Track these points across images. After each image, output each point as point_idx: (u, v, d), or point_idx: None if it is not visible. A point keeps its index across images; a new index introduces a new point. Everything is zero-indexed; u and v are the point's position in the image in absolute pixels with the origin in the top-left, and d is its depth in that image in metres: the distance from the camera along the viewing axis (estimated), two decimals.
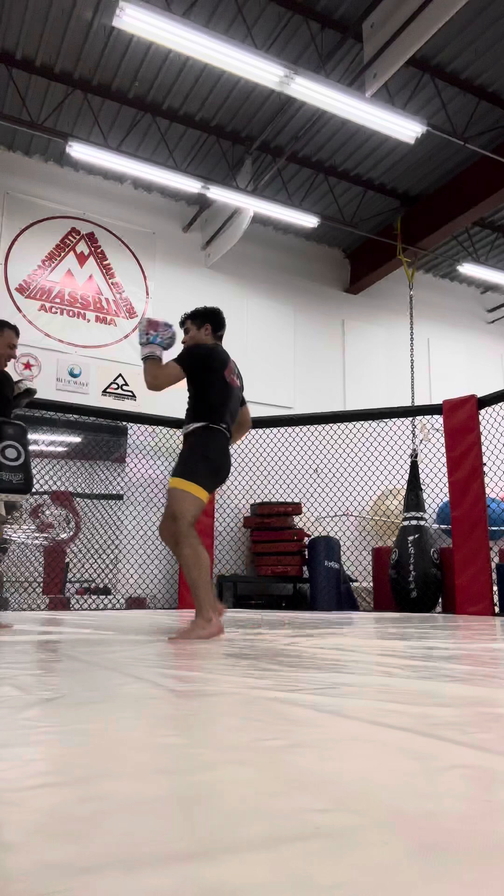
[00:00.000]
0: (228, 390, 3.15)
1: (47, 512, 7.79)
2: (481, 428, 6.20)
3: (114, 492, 7.65)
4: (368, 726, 1.06)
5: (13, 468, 3.15)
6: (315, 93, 5.76)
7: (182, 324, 3.27)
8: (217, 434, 3.06)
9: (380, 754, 0.90)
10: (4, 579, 7.29)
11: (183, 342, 3.25)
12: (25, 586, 7.04)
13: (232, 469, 8.52)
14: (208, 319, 3.27)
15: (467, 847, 0.56)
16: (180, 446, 3.16)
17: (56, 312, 7.82)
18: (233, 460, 8.37)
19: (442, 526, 7.40)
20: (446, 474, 6.32)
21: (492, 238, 9.84)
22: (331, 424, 7.33)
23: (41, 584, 7.18)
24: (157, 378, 3.02)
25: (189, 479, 2.93)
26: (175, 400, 7.87)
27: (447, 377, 9.91)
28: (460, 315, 11.06)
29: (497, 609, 5.86)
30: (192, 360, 3.09)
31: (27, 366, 7.48)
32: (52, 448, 7.72)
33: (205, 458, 3.01)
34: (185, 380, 3.12)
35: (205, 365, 3.10)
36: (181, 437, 3.19)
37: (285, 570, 7.36)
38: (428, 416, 7.08)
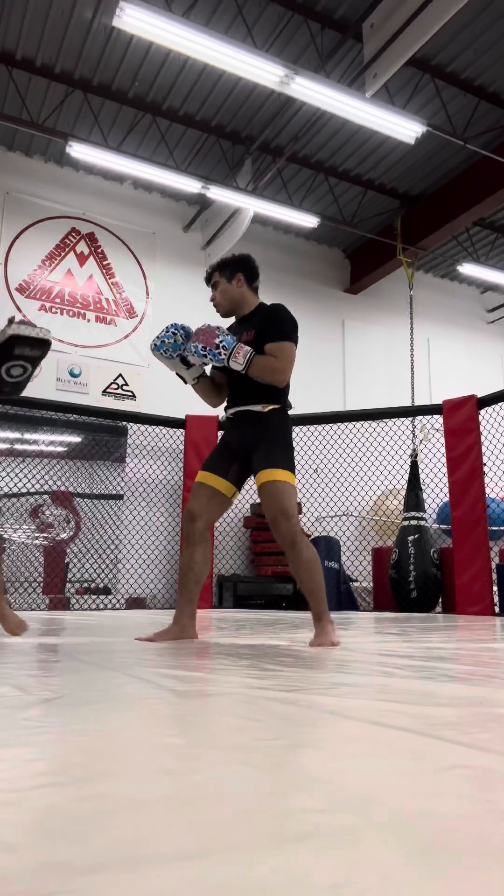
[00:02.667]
0: None
1: (47, 512, 7.79)
2: (481, 428, 6.20)
3: (114, 492, 7.65)
4: (368, 726, 1.06)
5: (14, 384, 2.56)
6: (315, 93, 5.76)
7: (208, 279, 2.82)
8: (289, 417, 2.70)
9: (380, 754, 0.90)
10: (5, 579, 7.28)
11: (211, 300, 2.83)
12: (25, 586, 7.04)
13: None
14: (239, 267, 2.76)
15: (467, 847, 0.56)
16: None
17: (56, 312, 7.82)
18: None
19: (442, 526, 7.40)
20: (446, 474, 6.32)
21: (492, 238, 9.84)
22: (331, 424, 7.33)
23: (41, 584, 7.18)
24: (284, 370, 2.58)
25: (289, 469, 2.57)
26: (176, 399, 7.87)
27: (447, 377, 9.91)
28: (460, 315, 11.06)
29: (497, 609, 5.86)
30: (296, 329, 2.65)
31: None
32: (52, 448, 7.72)
33: (291, 447, 2.66)
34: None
35: (297, 336, 2.66)
36: (229, 415, 2.76)
37: (285, 570, 7.35)
38: (428, 416, 7.08)
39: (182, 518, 2.81)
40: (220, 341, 2.57)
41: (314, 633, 2.53)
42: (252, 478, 2.73)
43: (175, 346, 2.74)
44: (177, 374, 2.84)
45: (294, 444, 2.76)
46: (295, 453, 2.75)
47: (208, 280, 2.83)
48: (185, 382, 2.86)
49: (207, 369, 2.87)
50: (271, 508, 2.54)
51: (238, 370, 2.58)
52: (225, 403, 2.85)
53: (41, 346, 2.55)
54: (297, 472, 2.72)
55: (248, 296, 2.79)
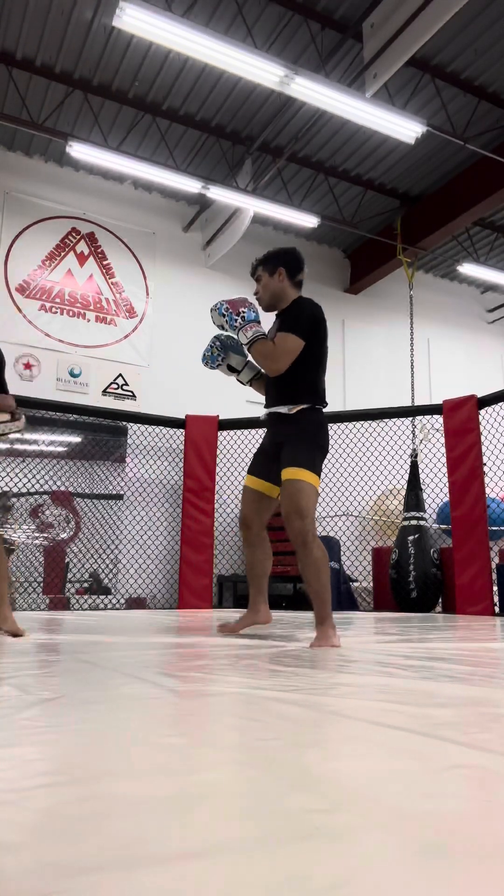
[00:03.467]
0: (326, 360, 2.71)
1: (47, 512, 7.79)
2: (481, 428, 6.20)
3: (114, 492, 7.65)
4: (368, 726, 1.06)
5: None
6: (315, 93, 5.76)
7: (253, 272, 2.83)
8: (324, 419, 2.69)
9: (380, 754, 0.90)
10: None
11: (255, 294, 2.82)
12: (26, 586, 7.04)
13: (232, 469, 8.45)
14: (281, 262, 2.75)
15: (467, 847, 0.56)
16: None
17: (56, 312, 7.82)
18: (233, 460, 8.31)
19: (442, 526, 7.40)
20: (446, 474, 6.32)
21: (492, 238, 9.83)
22: (330, 424, 7.32)
23: (41, 584, 7.18)
24: (279, 359, 2.55)
25: (311, 470, 2.56)
26: (176, 399, 7.85)
27: (447, 377, 9.91)
28: (460, 315, 11.06)
29: (497, 609, 5.86)
30: (311, 325, 2.61)
31: (27, 366, 7.48)
32: (52, 448, 7.72)
33: (319, 447, 2.64)
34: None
35: (318, 331, 2.64)
36: (263, 416, 2.80)
37: (285, 570, 7.35)
38: (428, 416, 7.08)
39: (239, 524, 2.95)
40: (243, 311, 2.65)
41: (315, 635, 2.52)
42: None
43: (213, 358, 2.88)
44: (229, 368, 2.93)
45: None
46: (325, 450, 2.75)
47: (253, 273, 2.85)
48: (243, 384, 2.97)
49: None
50: (287, 506, 2.58)
51: (243, 343, 2.66)
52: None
53: None
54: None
55: (289, 291, 2.77)
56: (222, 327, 2.79)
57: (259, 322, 2.68)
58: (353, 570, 7.50)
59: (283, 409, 2.66)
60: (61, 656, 2.16)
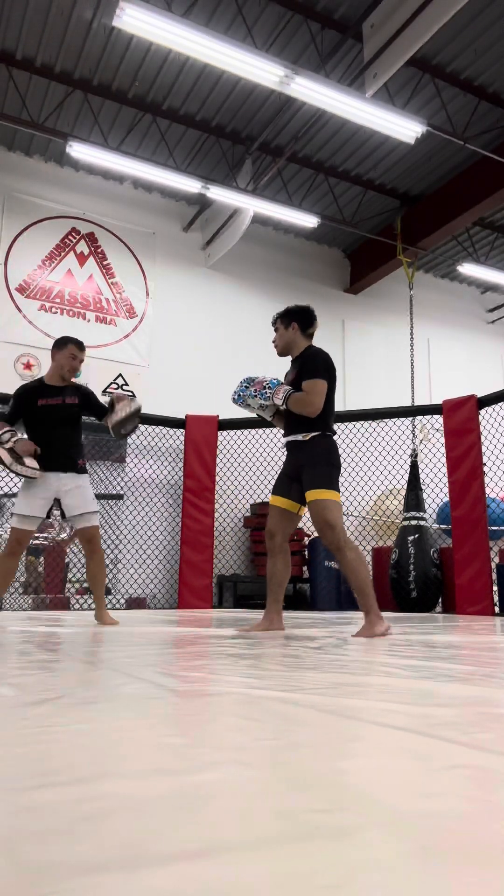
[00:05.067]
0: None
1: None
2: (481, 428, 6.20)
3: (114, 492, 7.65)
4: (368, 726, 1.06)
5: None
6: (315, 93, 5.76)
7: (273, 323, 3.34)
8: (333, 442, 3.18)
9: (380, 754, 0.90)
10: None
11: (273, 342, 3.34)
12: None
13: (232, 469, 8.44)
14: (294, 317, 3.29)
15: (467, 847, 0.56)
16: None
17: (56, 312, 7.82)
18: (233, 460, 8.30)
19: (442, 526, 7.40)
20: (446, 474, 6.32)
21: (492, 238, 9.84)
22: None
23: (35, 584, 7.18)
24: (314, 403, 3.07)
25: (330, 488, 3.05)
26: (175, 399, 7.85)
27: (447, 377, 9.91)
28: (460, 315, 11.06)
29: (497, 609, 5.86)
30: (327, 369, 3.15)
31: (27, 366, 7.48)
32: None
33: (332, 466, 3.11)
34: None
35: (332, 373, 3.17)
36: (283, 444, 3.29)
37: None
38: (428, 416, 7.08)
39: (265, 535, 3.34)
40: (266, 384, 3.21)
41: (364, 625, 2.97)
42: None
43: (248, 397, 3.35)
44: (257, 415, 3.43)
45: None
46: (339, 469, 3.20)
47: (273, 323, 3.37)
48: (267, 420, 3.41)
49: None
50: (317, 522, 3.06)
51: (279, 405, 3.17)
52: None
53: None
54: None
55: (300, 341, 3.29)
56: (260, 406, 3.29)
57: (281, 383, 3.22)
58: None
59: (298, 437, 3.16)
60: (61, 656, 2.16)
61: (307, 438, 3.13)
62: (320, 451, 3.11)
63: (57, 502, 3.67)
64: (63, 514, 3.69)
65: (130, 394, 8.07)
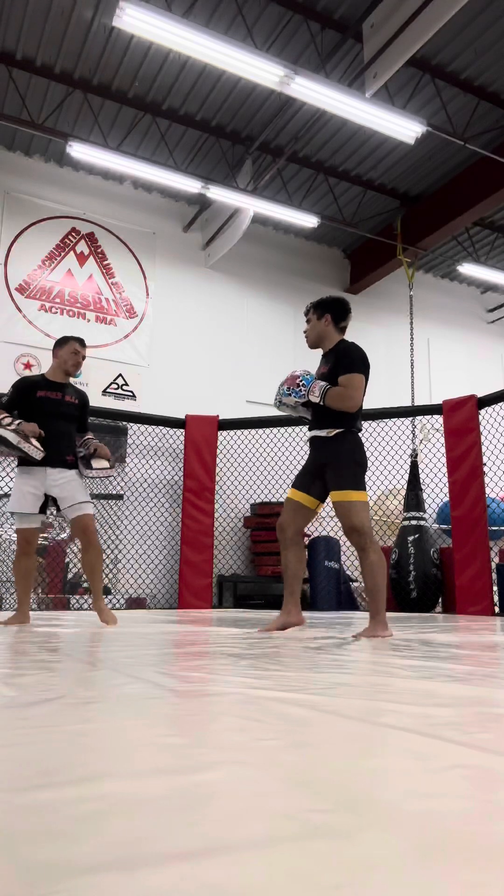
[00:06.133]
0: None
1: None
2: (481, 428, 6.20)
3: (114, 492, 7.65)
4: (368, 726, 1.06)
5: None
6: (315, 93, 5.76)
7: (306, 313, 3.27)
8: (359, 439, 3.11)
9: (380, 754, 0.90)
10: (5, 579, 7.29)
11: (304, 333, 3.27)
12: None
13: (232, 469, 8.44)
14: (328, 309, 3.21)
15: (467, 847, 0.56)
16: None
17: (56, 312, 7.82)
18: (233, 460, 8.29)
19: (442, 526, 7.40)
20: (446, 474, 6.32)
21: (492, 238, 9.83)
22: None
23: (41, 584, 7.18)
24: (353, 397, 2.99)
25: (357, 489, 2.99)
26: (176, 399, 7.85)
27: (447, 377, 9.91)
28: (460, 315, 11.06)
29: (497, 609, 5.86)
30: (364, 364, 3.07)
31: (27, 366, 7.48)
32: None
33: (359, 465, 3.05)
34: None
35: (367, 368, 3.09)
36: (307, 439, 3.21)
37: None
38: (428, 416, 7.08)
39: (276, 528, 3.30)
40: (300, 381, 3.13)
41: (368, 626, 2.98)
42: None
43: (283, 395, 3.25)
44: (301, 416, 3.35)
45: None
46: (365, 467, 3.13)
47: (306, 313, 3.29)
48: (307, 419, 3.32)
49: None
50: (344, 524, 3.02)
51: (316, 402, 3.07)
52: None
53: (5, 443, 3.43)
54: (297, 471, 3.00)
55: (332, 334, 3.21)
56: (296, 403, 3.21)
57: (315, 379, 3.13)
58: (353, 570, 7.50)
59: (321, 433, 3.09)
60: (61, 656, 2.16)
61: (331, 435, 3.05)
62: (346, 449, 3.04)
63: (52, 500, 3.65)
64: (58, 509, 3.67)
65: (130, 394, 8.07)
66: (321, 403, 3.05)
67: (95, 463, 3.70)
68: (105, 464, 3.73)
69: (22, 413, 3.64)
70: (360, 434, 3.13)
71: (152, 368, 8.26)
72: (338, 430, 3.04)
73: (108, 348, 8.05)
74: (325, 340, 3.22)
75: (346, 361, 3.06)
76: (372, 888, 0.48)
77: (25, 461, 3.58)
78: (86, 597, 7.09)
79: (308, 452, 3.24)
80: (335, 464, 3.03)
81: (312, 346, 3.28)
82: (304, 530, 3.34)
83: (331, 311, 3.20)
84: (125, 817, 0.62)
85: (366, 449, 3.17)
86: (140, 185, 8.55)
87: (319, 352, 3.29)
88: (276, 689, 1.39)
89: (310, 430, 3.20)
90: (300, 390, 3.10)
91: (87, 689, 1.45)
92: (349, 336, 3.31)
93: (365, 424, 7.33)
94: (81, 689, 1.46)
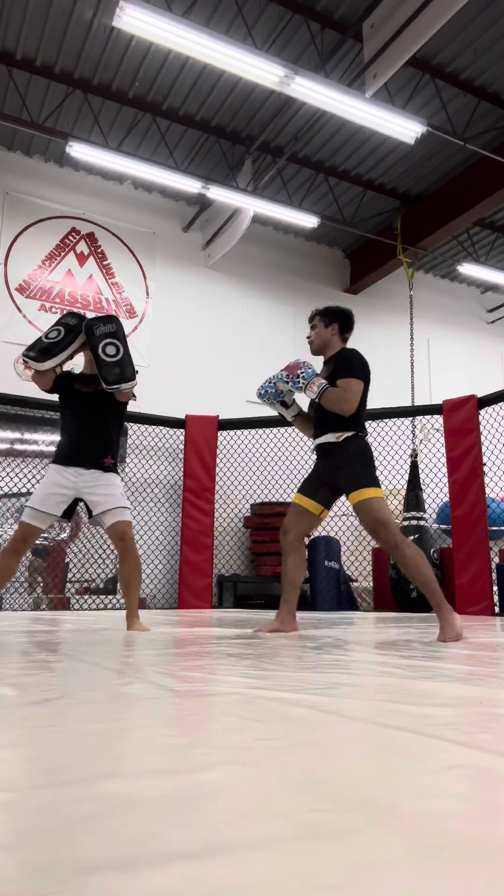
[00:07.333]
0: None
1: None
2: (481, 428, 6.20)
3: None
4: (368, 726, 1.06)
5: (112, 364, 3.25)
6: (315, 93, 5.76)
7: (311, 319, 3.28)
8: (367, 443, 3.11)
9: (380, 754, 0.90)
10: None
11: (308, 338, 3.27)
12: (26, 586, 7.04)
13: (232, 469, 8.42)
14: (336, 319, 3.24)
15: (467, 847, 0.56)
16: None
17: (56, 312, 7.82)
18: (233, 460, 8.27)
19: (442, 526, 7.40)
20: (446, 474, 6.32)
21: (492, 238, 9.83)
22: None
23: (41, 584, 7.18)
24: (349, 401, 2.98)
25: (373, 486, 2.96)
26: (175, 399, 7.85)
27: (447, 377, 9.91)
28: (460, 315, 11.06)
29: (497, 609, 5.86)
30: (364, 369, 3.08)
31: (27, 366, 7.47)
32: (52, 448, 7.71)
33: (370, 464, 3.05)
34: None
35: (366, 374, 3.09)
36: (313, 446, 3.19)
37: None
38: (428, 416, 7.08)
39: (279, 532, 3.25)
40: (301, 372, 3.06)
41: (439, 627, 2.79)
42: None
43: (276, 395, 3.22)
44: (278, 413, 3.33)
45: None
46: (375, 467, 3.11)
47: (310, 319, 3.29)
48: (286, 419, 3.34)
49: (305, 405, 3.33)
50: (368, 523, 2.92)
51: (312, 397, 3.05)
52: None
53: (110, 320, 3.32)
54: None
55: (336, 342, 3.24)
56: (288, 392, 3.16)
57: (318, 375, 3.08)
58: (353, 570, 7.50)
59: (331, 438, 3.06)
60: (61, 656, 2.16)
61: (340, 440, 3.04)
62: (356, 451, 3.03)
63: (82, 503, 3.37)
64: (90, 514, 3.38)
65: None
66: (316, 401, 3.04)
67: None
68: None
69: (60, 401, 3.46)
70: (366, 438, 3.13)
71: (152, 368, 8.26)
72: (347, 435, 3.04)
73: None
74: (328, 348, 3.24)
75: (345, 366, 3.07)
76: (372, 888, 0.48)
77: (59, 456, 3.34)
78: (85, 597, 7.09)
79: (314, 461, 3.22)
80: (348, 466, 3.01)
81: (316, 352, 3.28)
82: (306, 536, 3.27)
83: (339, 322, 3.24)
84: (125, 817, 0.62)
85: (374, 448, 3.17)
86: (140, 185, 8.55)
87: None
88: (277, 689, 1.39)
89: (315, 437, 3.18)
90: (298, 381, 3.06)
91: (87, 689, 1.45)
92: (353, 334, 3.33)
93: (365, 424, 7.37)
94: (81, 689, 1.46)
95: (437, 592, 2.80)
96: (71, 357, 3.43)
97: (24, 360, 3.47)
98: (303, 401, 3.33)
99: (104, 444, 3.38)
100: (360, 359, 3.11)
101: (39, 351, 3.40)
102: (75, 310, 3.78)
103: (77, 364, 3.61)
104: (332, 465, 3.08)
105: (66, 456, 3.35)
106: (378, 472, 3.09)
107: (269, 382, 3.20)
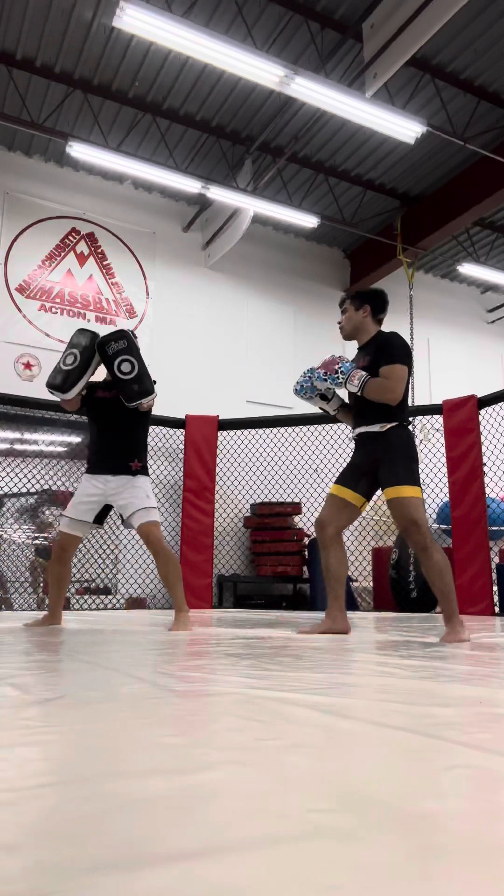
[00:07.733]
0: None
1: (47, 512, 7.78)
2: (481, 428, 6.20)
3: None
4: (368, 726, 1.06)
5: (129, 381, 3.33)
6: (315, 93, 5.76)
7: (341, 303, 3.17)
8: (411, 434, 2.98)
9: (380, 754, 0.90)
10: (6, 580, 7.29)
11: (339, 324, 3.16)
12: (26, 587, 7.05)
13: (232, 469, 8.43)
14: (367, 300, 3.11)
15: (467, 847, 0.56)
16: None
17: (56, 312, 7.82)
18: (233, 460, 8.27)
19: (442, 526, 7.40)
20: (446, 474, 6.31)
21: (492, 238, 9.83)
22: (331, 424, 7.33)
23: (43, 584, 7.18)
24: (395, 389, 2.85)
25: (412, 484, 2.84)
26: (175, 399, 7.85)
27: (447, 377, 9.91)
28: (460, 315, 11.06)
29: (497, 609, 5.86)
30: (407, 354, 2.94)
31: (27, 366, 7.48)
32: (52, 448, 7.72)
33: (413, 459, 2.92)
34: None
35: (410, 359, 2.95)
36: (354, 436, 3.06)
37: (285, 570, 7.36)
38: (428, 416, 7.08)
39: (315, 526, 3.14)
40: (339, 367, 2.95)
41: (446, 631, 2.80)
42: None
43: (312, 389, 3.10)
44: (319, 408, 3.23)
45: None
46: (419, 465, 3.02)
47: (341, 304, 3.18)
48: (329, 413, 3.23)
49: (344, 395, 3.21)
50: (401, 521, 2.83)
51: (354, 391, 2.92)
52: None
53: (122, 335, 3.40)
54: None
55: (370, 325, 3.11)
56: (327, 389, 3.06)
57: (355, 367, 2.96)
58: (353, 570, 7.50)
59: (375, 428, 2.93)
60: (61, 656, 2.16)
61: (384, 430, 2.89)
62: (400, 444, 2.89)
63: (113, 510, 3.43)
64: (122, 519, 3.41)
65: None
66: (359, 394, 2.90)
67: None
68: None
69: (87, 411, 3.52)
70: (409, 427, 3.00)
71: (152, 368, 8.14)
72: (391, 425, 2.90)
73: None
74: (361, 332, 3.10)
75: (387, 352, 2.92)
76: (372, 888, 0.48)
77: (89, 465, 3.42)
78: (85, 597, 7.09)
79: (351, 452, 3.10)
80: (389, 459, 2.87)
81: (347, 337, 3.15)
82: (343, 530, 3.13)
83: (370, 303, 3.10)
84: (125, 817, 0.62)
85: None
86: (140, 185, 8.55)
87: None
88: (277, 689, 1.39)
89: (355, 426, 3.05)
90: (338, 377, 2.92)
91: (87, 689, 1.45)
92: None
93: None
94: (82, 689, 1.46)
95: (452, 603, 2.78)
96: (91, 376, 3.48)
97: (50, 392, 3.46)
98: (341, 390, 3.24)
99: (129, 448, 3.46)
100: (401, 341, 2.97)
101: (62, 380, 3.41)
102: (85, 327, 3.85)
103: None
104: (374, 456, 2.94)
105: (94, 464, 3.43)
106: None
107: (305, 377, 3.08)
